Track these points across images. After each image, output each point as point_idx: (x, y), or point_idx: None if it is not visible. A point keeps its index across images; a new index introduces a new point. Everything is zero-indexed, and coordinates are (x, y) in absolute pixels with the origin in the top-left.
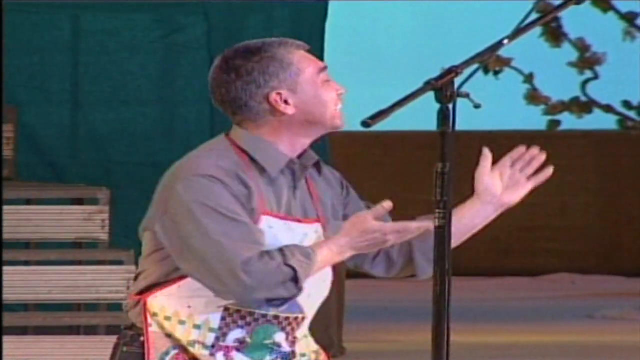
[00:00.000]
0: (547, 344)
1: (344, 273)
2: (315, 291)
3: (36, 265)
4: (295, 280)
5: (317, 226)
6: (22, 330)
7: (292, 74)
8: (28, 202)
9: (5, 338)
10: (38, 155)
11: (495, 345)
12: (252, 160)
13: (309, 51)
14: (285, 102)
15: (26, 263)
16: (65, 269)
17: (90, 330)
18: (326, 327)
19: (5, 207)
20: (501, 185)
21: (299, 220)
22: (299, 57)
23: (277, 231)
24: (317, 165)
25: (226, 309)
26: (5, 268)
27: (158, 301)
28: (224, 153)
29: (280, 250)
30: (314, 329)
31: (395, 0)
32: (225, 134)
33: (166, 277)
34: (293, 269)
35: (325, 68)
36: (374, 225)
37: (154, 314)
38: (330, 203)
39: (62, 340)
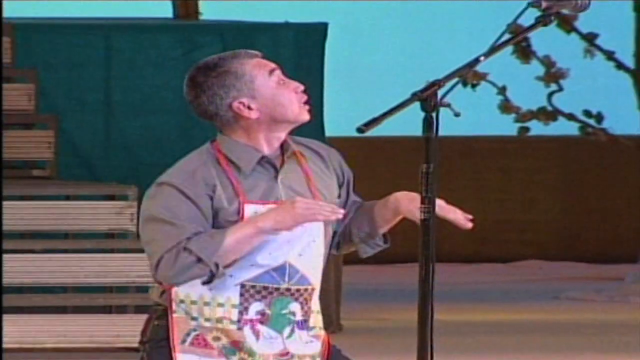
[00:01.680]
0: (518, 321)
1: (341, 260)
2: (306, 251)
3: (74, 253)
4: (200, 259)
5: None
6: (62, 310)
7: (247, 82)
8: (67, 198)
9: (47, 316)
10: (76, 157)
11: (473, 323)
12: (230, 160)
13: (264, 58)
14: (249, 108)
15: (65, 251)
16: (99, 256)
17: (121, 309)
18: (326, 306)
19: (47, 202)
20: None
21: (277, 202)
22: (251, 66)
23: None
24: (315, 152)
25: (242, 285)
26: (46, 255)
27: (183, 289)
28: (204, 157)
29: (189, 238)
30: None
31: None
32: (211, 141)
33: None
34: (191, 251)
35: (275, 69)
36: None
37: (181, 301)
38: (325, 186)
39: (97, 319)
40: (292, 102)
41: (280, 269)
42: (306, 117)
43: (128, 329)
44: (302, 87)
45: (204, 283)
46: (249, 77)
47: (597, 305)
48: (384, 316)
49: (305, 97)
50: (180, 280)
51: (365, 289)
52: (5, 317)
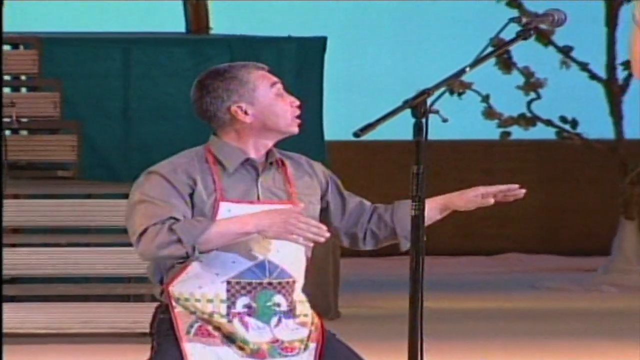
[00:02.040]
0: (499, 308)
1: (338, 252)
2: (284, 247)
3: (95, 246)
4: (180, 240)
5: (284, 207)
6: (85, 298)
7: (249, 89)
8: (89, 196)
9: (71, 304)
10: (96, 159)
11: (459, 310)
12: (218, 160)
13: (270, 72)
14: (245, 112)
15: (87, 245)
16: (118, 249)
17: (138, 298)
18: (325, 295)
19: (70, 201)
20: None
21: (252, 202)
22: (256, 76)
23: (236, 212)
24: (300, 164)
25: (228, 282)
26: (70, 249)
27: (176, 289)
28: (193, 155)
29: (176, 220)
30: (315, 297)
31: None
32: (206, 143)
33: (172, 267)
34: (174, 231)
35: (276, 83)
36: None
37: (177, 299)
38: (305, 193)
39: (117, 306)
40: (285, 113)
41: (260, 265)
42: (295, 129)
43: (145, 316)
44: (297, 103)
45: (178, 262)
46: (252, 86)
47: (572, 294)
48: (379, 304)
49: (298, 112)
50: (159, 255)
51: (361, 279)
52: (33, 304)
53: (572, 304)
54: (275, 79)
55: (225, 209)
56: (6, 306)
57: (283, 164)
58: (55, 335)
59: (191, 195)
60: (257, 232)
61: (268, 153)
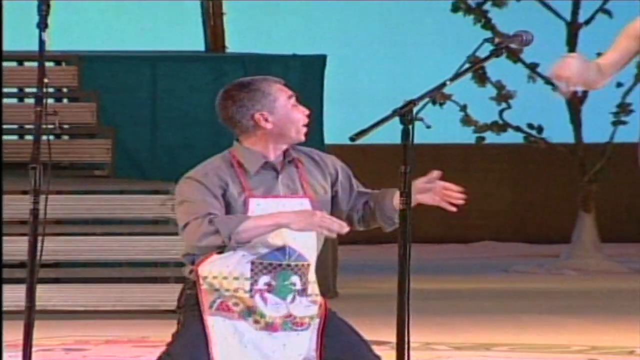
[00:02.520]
0: (476, 289)
1: (337, 241)
2: (301, 236)
3: (127, 235)
4: (218, 231)
5: (303, 200)
6: (118, 280)
7: (270, 100)
8: (121, 192)
9: (106, 285)
10: (129, 160)
11: (440, 290)
12: (241, 163)
13: (285, 85)
14: (266, 120)
15: (120, 234)
16: (147, 238)
17: (164, 280)
18: (325, 277)
19: (105, 196)
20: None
21: (276, 197)
22: (275, 88)
23: (265, 206)
24: (313, 159)
25: (252, 262)
26: (106, 237)
27: (206, 268)
28: (220, 160)
29: (216, 215)
30: (317, 279)
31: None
32: (230, 148)
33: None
34: (213, 223)
35: (292, 95)
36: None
37: (205, 277)
38: (318, 185)
39: (145, 287)
40: (299, 121)
41: (282, 249)
42: (302, 137)
43: (170, 296)
44: (307, 112)
45: (217, 252)
46: (273, 97)
47: (538, 277)
48: (371, 285)
49: (307, 121)
50: (200, 245)
51: (357, 263)
52: (73, 286)
53: (538, 285)
54: (290, 91)
55: (255, 204)
56: (50, 287)
57: (300, 161)
58: (92, 312)
59: (223, 195)
60: (285, 225)
61: (285, 153)
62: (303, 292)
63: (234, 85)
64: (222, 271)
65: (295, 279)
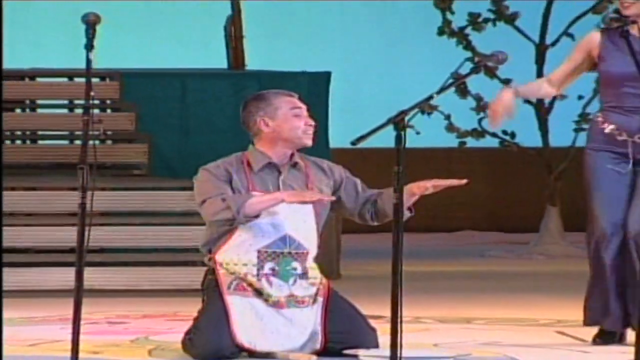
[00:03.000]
0: (457, 271)
1: (340, 229)
2: (300, 227)
3: (161, 226)
4: (229, 207)
5: None
6: (154, 264)
7: (273, 108)
8: (155, 189)
9: (142, 268)
10: (162, 162)
11: (427, 272)
12: (249, 162)
13: (299, 98)
14: (266, 124)
15: (154, 224)
16: (178, 228)
17: (192, 264)
18: (330, 261)
19: (142, 192)
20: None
21: (277, 189)
22: (281, 99)
23: None
24: (321, 167)
25: (259, 251)
26: (143, 227)
27: (220, 257)
28: (233, 158)
29: (226, 194)
30: (322, 262)
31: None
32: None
33: (218, 240)
34: (225, 200)
35: (297, 107)
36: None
37: (221, 264)
38: (322, 187)
39: (176, 270)
40: (297, 129)
41: (283, 239)
42: (308, 142)
43: (197, 277)
44: (311, 122)
45: (229, 225)
46: (275, 106)
47: (511, 261)
48: (370, 268)
49: (312, 129)
50: (213, 219)
51: (357, 249)
52: (116, 268)
53: (511, 268)
54: (298, 103)
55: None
56: (96, 269)
57: (307, 167)
58: (131, 291)
59: (230, 183)
60: (282, 200)
61: (291, 158)
62: (303, 275)
63: (251, 96)
64: (233, 258)
65: (296, 264)
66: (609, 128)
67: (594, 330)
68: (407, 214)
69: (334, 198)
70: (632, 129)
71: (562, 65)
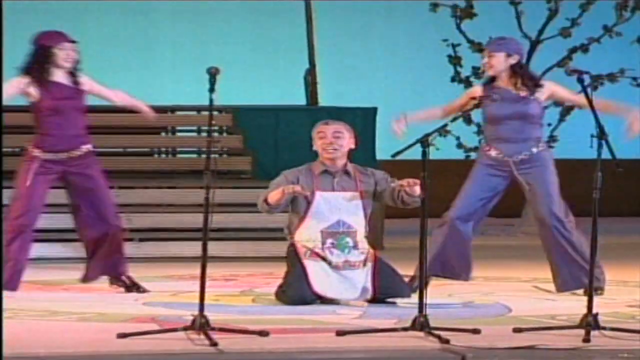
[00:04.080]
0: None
1: (384, 214)
2: (350, 213)
3: (259, 213)
4: (265, 200)
5: (355, 194)
6: (254, 239)
7: (316, 132)
8: (256, 188)
9: (247, 242)
10: (261, 169)
11: None
12: (313, 170)
13: (326, 124)
14: (314, 145)
15: (255, 212)
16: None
17: (283, 239)
18: (376, 237)
19: (247, 190)
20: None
21: (332, 191)
22: (318, 127)
23: (326, 196)
24: (366, 173)
25: (322, 231)
26: (248, 214)
27: (296, 236)
28: (305, 166)
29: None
30: (371, 238)
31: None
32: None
33: (294, 225)
34: (264, 195)
35: (321, 132)
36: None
37: (298, 241)
38: (367, 186)
39: (269, 244)
40: (319, 147)
41: (338, 222)
42: (329, 156)
43: (284, 248)
44: (330, 141)
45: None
46: (316, 131)
47: (501, 237)
48: (405, 242)
49: (331, 146)
50: (260, 209)
51: (397, 229)
52: (229, 242)
53: (502, 242)
54: (324, 128)
55: (319, 195)
56: (215, 243)
57: (356, 172)
58: (240, 258)
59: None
60: (284, 191)
61: (344, 166)
62: (355, 247)
63: (317, 124)
64: (305, 237)
65: (348, 239)
66: (493, 153)
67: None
68: (416, 200)
69: (308, 193)
70: (510, 153)
71: (455, 102)
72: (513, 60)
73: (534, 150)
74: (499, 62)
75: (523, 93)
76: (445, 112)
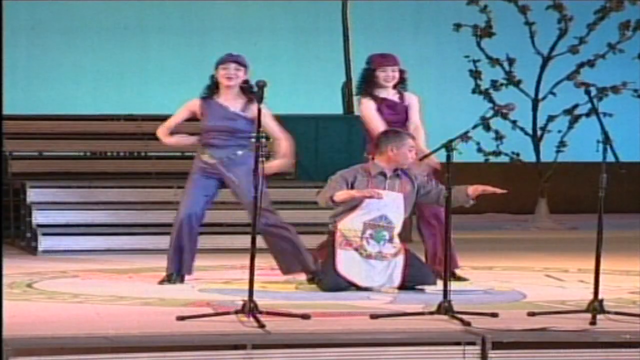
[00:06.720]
0: (483, 238)
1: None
2: (393, 210)
3: (301, 210)
4: (330, 197)
5: (399, 194)
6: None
7: (401, 144)
8: (299, 187)
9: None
10: (303, 171)
11: (465, 239)
12: (369, 170)
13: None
14: (392, 150)
15: (298, 209)
16: (311, 210)
17: (320, 233)
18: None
19: (292, 189)
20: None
21: (384, 189)
22: (402, 138)
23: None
24: (409, 175)
25: (364, 223)
26: (292, 211)
27: (340, 225)
28: (359, 166)
29: (334, 189)
30: (401, 232)
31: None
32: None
33: (341, 214)
34: (329, 192)
35: (412, 147)
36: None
37: (340, 229)
38: (409, 187)
39: (310, 235)
40: (409, 159)
41: (381, 216)
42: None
43: (322, 238)
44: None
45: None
46: (403, 142)
47: (516, 231)
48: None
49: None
50: (318, 199)
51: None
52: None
53: (517, 236)
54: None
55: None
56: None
57: (404, 175)
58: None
59: (352, 184)
60: (352, 195)
61: (395, 170)
62: (390, 240)
63: (389, 130)
64: (347, 226)
65: (385, 233)
66: (205, 156)
67: (574, 272)
68: (471, 202)
69: (376, 197)
70: (221, 156)
71: (176, 116)
72: None
73: None
74: None
75: None
76: (168, 126)
